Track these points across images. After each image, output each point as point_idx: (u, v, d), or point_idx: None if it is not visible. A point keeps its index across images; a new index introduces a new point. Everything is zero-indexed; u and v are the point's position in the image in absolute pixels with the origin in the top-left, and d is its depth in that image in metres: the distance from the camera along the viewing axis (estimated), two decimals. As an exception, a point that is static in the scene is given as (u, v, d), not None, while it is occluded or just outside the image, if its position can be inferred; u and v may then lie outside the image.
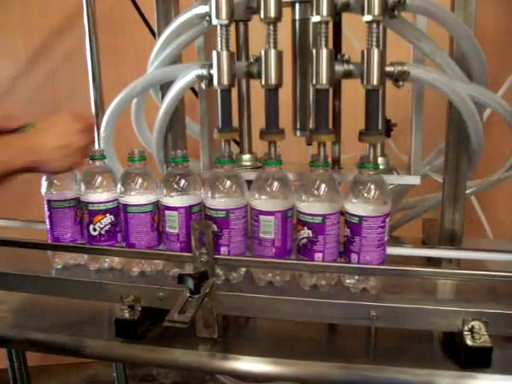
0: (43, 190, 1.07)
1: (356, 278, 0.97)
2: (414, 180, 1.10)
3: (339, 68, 0.96)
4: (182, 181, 0.99)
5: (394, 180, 1.10)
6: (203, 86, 1.03)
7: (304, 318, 0.95)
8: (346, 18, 1.07)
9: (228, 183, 0.97)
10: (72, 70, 2.01)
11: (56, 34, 2.04)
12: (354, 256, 0.95)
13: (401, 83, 0.96)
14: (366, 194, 0.93)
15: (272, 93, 0.99)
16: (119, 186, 1.02)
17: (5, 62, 2.04)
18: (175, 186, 0.99)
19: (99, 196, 1.03)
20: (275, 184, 0.95)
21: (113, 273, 1.07)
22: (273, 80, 0.96)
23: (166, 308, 0.98)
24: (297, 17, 1.06)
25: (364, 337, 1.03)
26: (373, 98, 0.95)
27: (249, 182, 1.02)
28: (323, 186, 0.94)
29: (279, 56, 0.96)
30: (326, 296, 0.94)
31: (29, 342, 1.06)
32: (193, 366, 0.98)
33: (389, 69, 0.95)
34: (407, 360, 0.92)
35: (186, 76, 1.05)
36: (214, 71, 0.98)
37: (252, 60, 1.01)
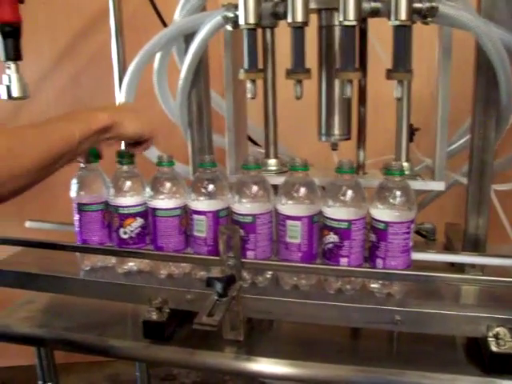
0: (73, 193, 1.09)
1: (381, 282, 0.98)
2: (439, 186, 1.10)
3: (366, 6, 0.97)
4: (211, 186, 1.01)
5: (418, 186, 1.10)
6: (229, 27, 1.04)
7: (329, 322, 0.96)
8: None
9: (255, 189, 0.98)
10: (96, 71, 2.04)
11: (80, 36, 2.07)
12: (379, 261, 0.96)
13: (429, 19, 0.95)
14: (391, 200, 0.94)
15: (298, 31, 1.00)
16: (148, 190, 1.04)
17: (30, 64, 2.07)
18: (203, 190, 1.00)
19: (130, 200, 1.05)
20: (302, 189, 0.96)
21: (141, 275, 1.08)
22: (299, 17, 0.97)
23: (193, 310, 1.00)
24: (323, 23, 1.07)
25: (387, 341, 1.04)
26: (401, 35, 0.96)
27: (274, 187, 1.03)
28: (349, 191, 0.95)
29: None
30: (351, 300, 0.96)
31: (60, 341, 1.08)
32: (219, 367, 1.00)
33: (417, 5, 0.94)
34: (430, 364, 0.93)
35: (213, 19, 1.05)
36: (240, 10, 0.99)
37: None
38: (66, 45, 2.08)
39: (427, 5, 0.94)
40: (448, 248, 1.26)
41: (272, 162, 1.18)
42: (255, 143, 1.37)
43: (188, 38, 1.12)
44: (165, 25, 1.48)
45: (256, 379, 1.52)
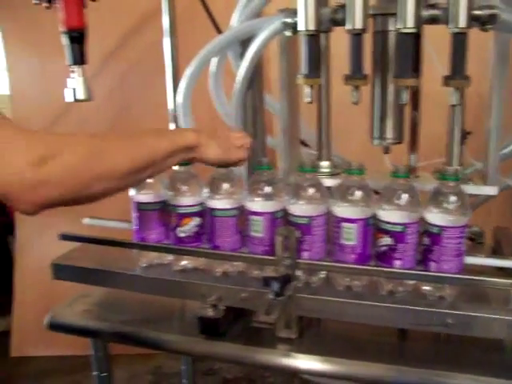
0: (132, 192, 1.12)
1: (433, 285, 0.99)
2: (492, 190, 1.11)
3: (424, 13, 0.97)
4: (268, 187, 1.03)
5: (471, 190, 1.10)
6: (288, 33, 1.05)
7: (381, 323, 0.98)
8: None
9: (311, 191, 1.01)
10: (143, 73, 2.08)
11: (127, 38, 2.11)
12: (432, 264, 0.97)
13: (488, 27, 0.95)
14: (446, 205, 0.95)
15: (356, 38, 1.01)
16: (206, 190, 1.07)
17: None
18: (261, 192, 1.03)
19: (188, 200, 1.08)
20: (358, 193, 0.98)
21: (196, 272, 1.11)
22: (359, 24, 0.98)
23: (247, 308, 1.03)
24: (378, 28, 1.08)
25: (434, 342, 1.05)
26: (459, 42, 0.95)
27: (327, 188, 1.05)
28: (405, 195, 0.96)
29: (365, 0, 0.97)
30: (403, 302, 0.97)
31: (116, 334, 1.13)
32: (272, 364, 1.02)
33: (477, 12, 0.94)
34: (477, 368, 0.93)
35: (272, 24, 1.06)
36: (300, 16, 1.00)
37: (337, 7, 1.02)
38: (113, 47, 2.13)
39: (487, 12, 0.94)
40: (497, 252, 1.26)
41: (325, 164, 1.20)
42: (305, 144, 1.39)
43: (244, 42, 1.14)
44: (217, 28, 1.51)
45: (297, 376, 1.54)
